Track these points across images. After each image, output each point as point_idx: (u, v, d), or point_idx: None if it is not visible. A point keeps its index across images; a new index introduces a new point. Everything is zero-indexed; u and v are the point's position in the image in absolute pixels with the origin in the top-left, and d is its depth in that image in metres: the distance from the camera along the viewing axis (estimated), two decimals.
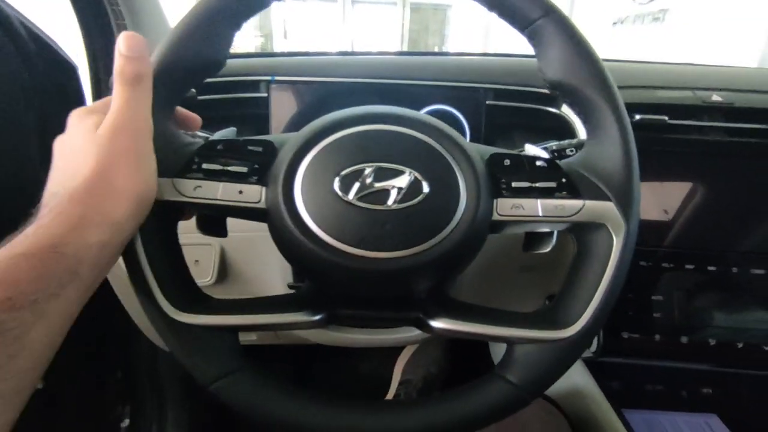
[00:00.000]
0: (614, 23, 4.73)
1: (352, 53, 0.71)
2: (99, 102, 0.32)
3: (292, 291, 0.55)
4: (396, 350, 1.01)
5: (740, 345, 0.51)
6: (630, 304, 0.51)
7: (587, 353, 0.54)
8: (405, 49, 6.48)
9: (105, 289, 0.74)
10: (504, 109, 0.61)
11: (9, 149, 0.59)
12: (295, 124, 0.59)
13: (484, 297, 0.66)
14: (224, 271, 0.56)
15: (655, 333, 0.51)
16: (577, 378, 0.57)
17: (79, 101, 0.69)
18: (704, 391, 0.59)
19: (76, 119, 0.30)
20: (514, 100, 0.61)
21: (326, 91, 0.59)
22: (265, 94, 0.58)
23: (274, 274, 0.55)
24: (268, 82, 0.58)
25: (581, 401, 0.56)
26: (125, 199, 0.28)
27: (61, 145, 0.29)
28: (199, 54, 0.33)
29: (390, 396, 0.94)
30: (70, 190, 0.26)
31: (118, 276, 0.57)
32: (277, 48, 6.65)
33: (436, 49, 7.55)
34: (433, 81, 0.61)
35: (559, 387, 0.60)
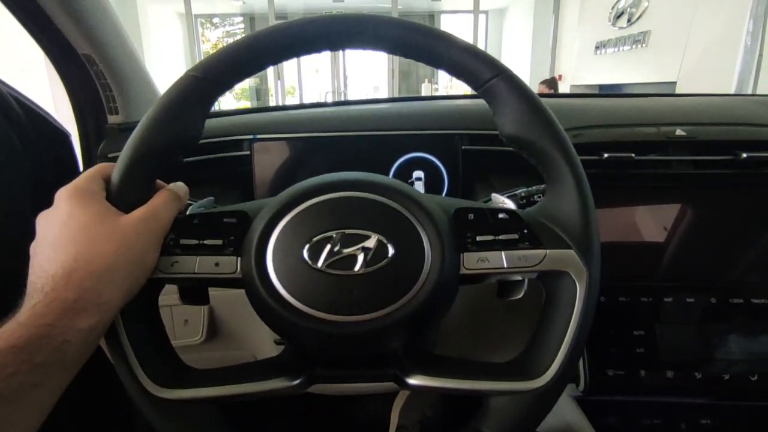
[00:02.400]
0: (596, 47, 4.88)
1: (332, 104, 0.74)
2: (87, 179, 0.32)
3: (281, 348, 0.55)
4: (392, 394, 1.00)
5: (726, 377, 0.51)
6: (612, 340, 0.52)
7: (576, 392, 0.54)
8: (396, 82, 6.64)
9: (99, 352, 0.75)
10: (480, 153, 0.63)
11: (3, 222, 0.61)
12: (278, 180, 0.61)
13: (471, 339, 0.66)
14: (213, 329, 0.57)
15: (639, 368, 0.51)
16: (569, 416, 0.57)
17: (74, 167, 0.72)
18: (703, 422, 0.59)
19: (81, 197, 0.30)
20: (489, 143, 0.63)
21: (308, 145, 0.61)
22: (248, 152, 0.61)
23: (262, 330, 0.56)
24: (251, 140, 0.61)
25: None
26: (126, 283, 0.29)
27: (64, 223, 0.29)
28: (171, 138, 0.34)
29: None
30: (69, 272, 0.26)
31: None
32: (272, 87, 6.83)
33: (426, 81, 7.75)
34: (410, 130, 0.64)
35: (551, 424, 0.59)
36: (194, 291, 0.38)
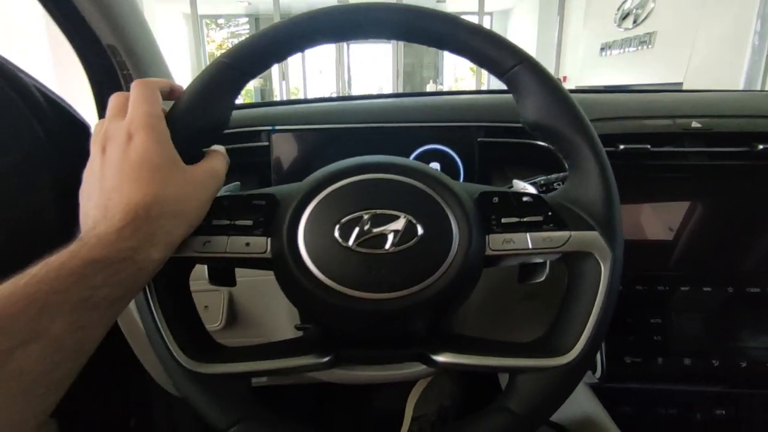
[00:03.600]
0: (602, 49, 4.88)
1: (349, 98, 0.75)
2: (159, 118, 0.33)
3: (300, 333, 0.56)
4: (408, 384, 1.00)
5: (744, 364, 0.52)
6: (629, 328, 0.52)
7: (592, 379, 0.55)
8: (400, 83, 6.66)
9: (118, 340, 0.76)
10: (496, 145, 0.64)
11: (26, 212, 0.62)
12: (295, 171, 0.62)
13: (489, 327, 0.67)
14: (233, 315, 0.58)
15: (657, 356, 0.52)
16: (586, 405, 0.57)
17: None
18: (718, 413, 0.59)
19: (158, 138, 0.31)
20: (504, 135, 0.64)
21: (324, 137, 0.62)
22: (267, 143, 0.62)
23: (281, 317, 0.57)
24: (269, 131, 0.61)
25: (591, 428, 0.56)
26: (185, 228, 0.31)
27: (142, 161, 0.30)
28: (203, 121, 0.35)
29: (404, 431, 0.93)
30: (149, 207, 0.29)
31: (132, 327, 0.58)
32: (276, 87, 6.86)
33: (431, 82, 7.76)
34: (426, 122, 0.64)
35: (568, 414, 0.59)
36: (223, 272, 0.39)
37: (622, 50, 4.49)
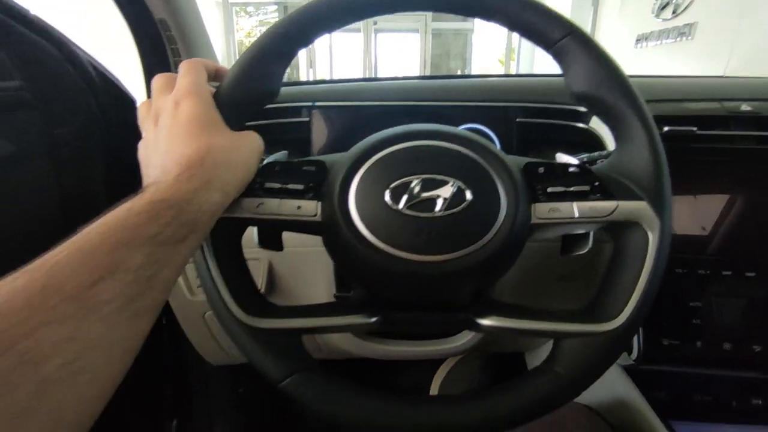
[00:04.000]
0: (637, 40, 4.71)
1: (387, 78, 0.75)
2: (204, 87, 0.35)
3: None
4: (433, 367, 1.02)
5: None
6: (668, 310, 0.52)
7: (628, 361, 0.54)
8: (427, 70, 6.61)
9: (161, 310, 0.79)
10: (534, 126, 0.64)
11: (78, 181, 0.65)
12: (334, 146, 0.63)
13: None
14: (272, 284, 0.60)
15: (696, 339, 0.51)
16: (620, 388, 0.57)
17: (138, 133, 0.76)
18: (754, 402, 0.58)
19: (204, 101, 0.33)
20: (543, 116, 0.64)
21: (364, 114, 0.63)
22: (307, 119, 0.63)
23: (318, 287, 0.58)
24: (310, 107, 0.63)
25: (625, 411, 0.56)
26: (237, 172, 0.33)
27: (192, 118, 0.32)
28: (255, 89, 0.37)
29: None
30: (203, 156, 0.31)
31: (177, 291, 0.61)
32: (303, 75, 6.90)
33: (459, 72, 7.67)
34: (465, 102, 0.65)
35: (602, 397, 0.59)
36: (272, 236, 0.41)
37: (659, 42, 4.33)
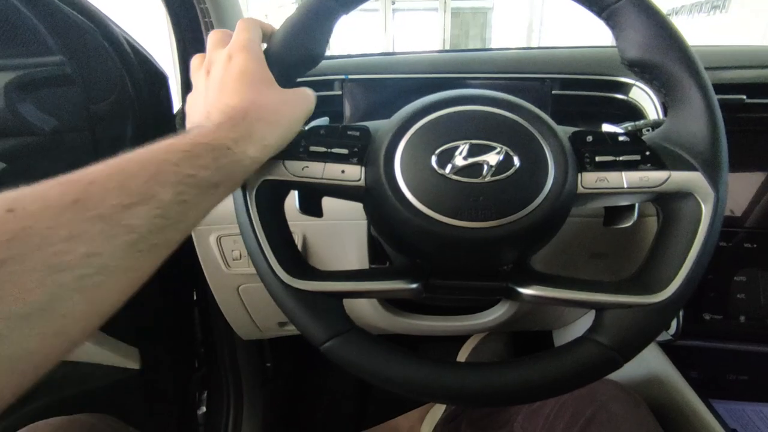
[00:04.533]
0: (668, 14, 4.52)
1: (420, 52, 0.74)
2: (257, 44, 0.36)
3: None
4: (458, 344, 1.02)
5: None
6: (710, 284, 0.50)
7: (666, 336, 0.54)
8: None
9: (188, 283, 0.81)
10: (570, 99, 0.62)
11: (113, 154, 0.67)
12: (367, 118, 0.62)
13: None
14: (306, 256, 0.60)
15: (739, 315, 0.50)
16: (656, 364, 0.57)
17: (169, 108, 0.76)
18: None
19: (255, 57, 0.34)
20: (580, 88, 0.62)
21: (396, 86, 0.62)
22: (339, 92, 0.63)
23: (352, 259, 0.59)
24: (342, 80, 0.62)
25: (660, 388, 0.55)
26: (279, 131, 0.33)
27: (243, 72, 0.33)
28: (303, 49, 0.37)
29: None
30: (246, 110, 0.31)
31: (212, 263, 0.62)
32: None
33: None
34: (499, 74, 0.63)
35: (637, 373, 0.59)
36: (313, 201, 0.41)
37: (690, 16, 4.15)
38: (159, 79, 0.73)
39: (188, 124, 0.35)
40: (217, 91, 0.33)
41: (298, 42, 0.36)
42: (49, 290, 0.20)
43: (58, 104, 0.57)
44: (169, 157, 0.26)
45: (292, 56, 0.36)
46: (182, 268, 0.74)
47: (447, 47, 6.51)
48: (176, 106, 0.76)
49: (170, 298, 0.82)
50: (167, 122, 0.76)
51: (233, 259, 0.61)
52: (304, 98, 0.36)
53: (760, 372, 0.57)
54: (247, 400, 0.96)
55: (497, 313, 0.65)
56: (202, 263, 0.63)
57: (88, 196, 0.22)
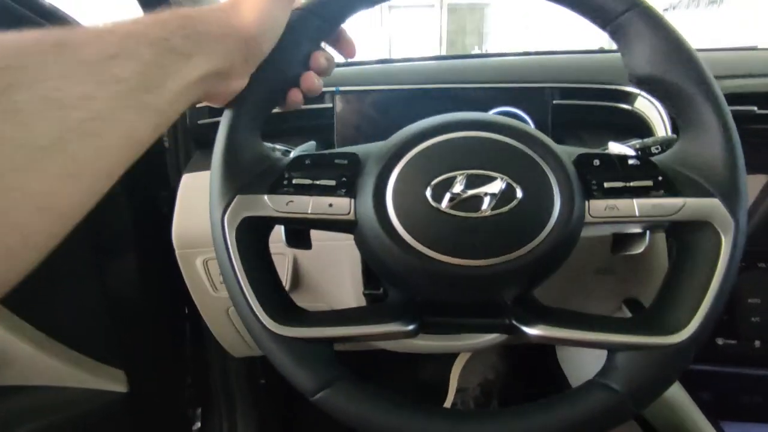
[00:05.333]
0: (665, 9, 4.51)
1: (408, 59, 0.71)
2: None
3: (366, 300, 0.55)
4: (452, 356, 1.00)
5: None
6: (724, 308, 0.48)
7: None
8: (444, 50, 6.45)
9: (178, 301, 0.78)
10: (572, 109, 0.59)
11: None
12: (360, 133, 0.60)
13: (557, 301, 0.64)
14: (297, 281, 0.58)
15: (753, 339, 0.48)
16: None
17: None
18: None
19: None
20: (582, 98, 0.59)
21: (391, 98, 0.59)
22: (330, 105, 0.60)
23: (345, 284, 0.56)
24: (333, 93, 0.59)
25: (670, 412, 0.53)
26: (266, 26, 0.31)
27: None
28: (279, 76, 0.34)
29: (448, 404, 0.93)
30: (244, 34, 0.30)
31: (199, 287, 0.59)
32: None
33: (476, 49, 7.47)
34: (496, 83, 0.60)
35: None
36: (300, 233, 0.38)
37: (687, 10, 4.14)
38: None
39: None
40: None
41: (282, 64, 0.33)
42: (56, 126, 0.20)
43: None
44: (138, 21, 0.26)
45: (277, 78, 0.34)
46: (171, 284, 0.71)
47: (443, 44, 6.47)
48: None
49: (159, 317, 0.80)
50: None
51: (221, 283, 0.58)
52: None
53: None
54: (240, 416, 0.94)
55: (494, 333, 0.62)
56: (189, 286, 0.60)
57: (69, 41, 0.22)
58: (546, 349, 0.93)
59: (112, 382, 0.72)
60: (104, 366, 0.71)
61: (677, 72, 0.32)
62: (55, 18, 0.56)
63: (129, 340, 0.73)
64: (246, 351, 0.76)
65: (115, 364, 0.72)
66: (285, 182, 0.32)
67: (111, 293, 0.71)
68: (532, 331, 0.32)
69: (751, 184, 0.52)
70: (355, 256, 0.54)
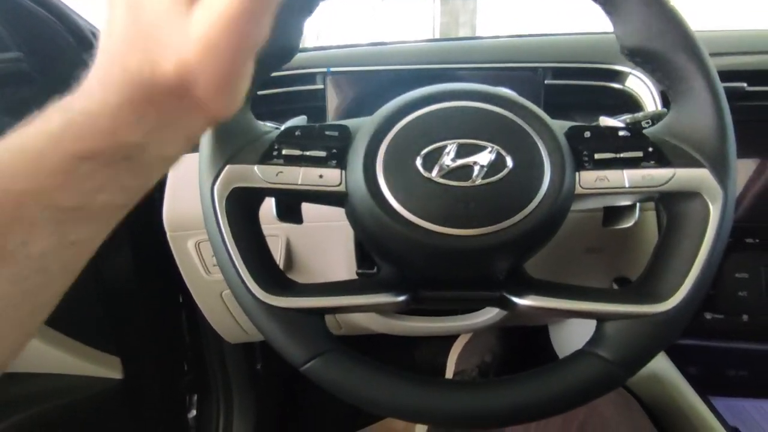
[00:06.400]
0: None
1: (402, 42, 0.71)
2: None
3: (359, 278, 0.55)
4: (449, 339, 1.00)
5: None
6: (712, 282, 0.49)
7: None
8: (437, 35, 6.41)
9: (173, 286, 0.78)
10: (563, 89, 0.60)
11: None
12: (351, 114, 0.59)
13: (548, 279, 0.65)
14: (290, 261, 0.58)
15: (741, 313, 0.48)
16: (654, 362, 0.55)
17: None
18: None
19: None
20: (574, 78, 0.59)
21: (383, 79, 0.59)
22: (321, 86, 0.59)
23: (339, 264, 0.56)
24: (324, 73, 0.59)
25: (658, 386, 0.54)
26: (211, 116, 0.23)
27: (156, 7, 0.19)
28: (274, 43, 0.33)
29: None
30: (158, 81, 0.19)
31: (192, 270, 0.59)
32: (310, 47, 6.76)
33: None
34: (488, 63, 0.60)
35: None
36: (291, 208, 0.38)
37: None
38: None
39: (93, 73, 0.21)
40: (124, 32, 0.19)
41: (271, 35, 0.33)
42: None
43: (15, 103, 0.53)
44: (37, 185, 0.18)
45: (263, 49, 0.33)
46: (165, 270, 0.71)
47: (437, 35, 6.43)
48: None
49: (154, 303, 0.80)
50: None
51: (213, 265, 0.58)
52: None
53: (761, 368, 0.55)
54: (237, 402, 0.94)
55: (490, 313, 0.63)
56: (181, 270, 0.60)
57: None
58: (543, 332, 0.94)
59: (107, 369, 0.72)
60: (100, 353, 0.71)
61: (668, 42, 0.32)
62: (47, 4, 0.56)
63: (124, 327, 0.73)
64: (242, 336, 0.76)
65: (111, 351, 0.72)
66: (275, 153, 0.32)
67: (106, 280, 0.70)
68: (522, 301, 0.33)
69: (741, 162, 0.52)
70: (347, 236, 0.54)
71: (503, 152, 0.30)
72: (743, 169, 0.51)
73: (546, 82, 0.59)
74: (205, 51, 0.18)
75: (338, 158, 0.32)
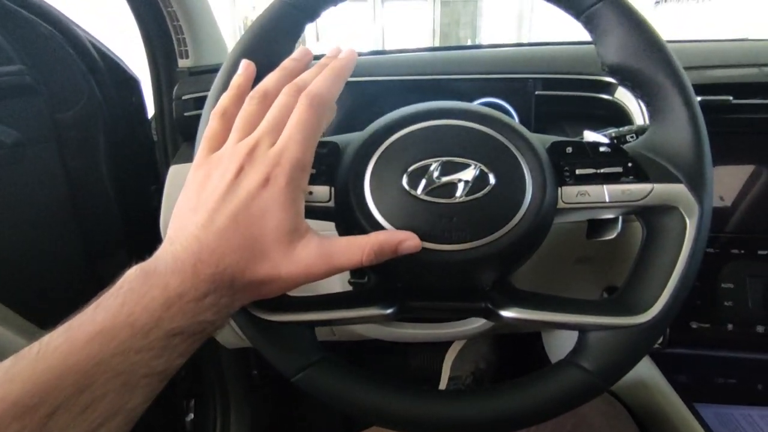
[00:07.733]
0: (656, 2, 4.51)
1: (399, 51, 0.72)
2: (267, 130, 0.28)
3: (351, 288, 0.56)
4: (444, 346, 1.01)
5: None
6: (697, 292, 0.49)
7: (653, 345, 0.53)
8: (437, 43, 6.42)
9: None
10: (554, 99, 0.60)
11: (85, 164, 0.64)
12: (344, 124, 0.60)
13: (539, 290, 0.65)
14: None
15: (727, 322, 0.49)
16: (642, 370, 0.56)
17: (142, 113, 0.74)
18: None
19: (284, 200, 0.27)
20: (564, 88, 0.60)
21: (375, 89, 0.60)
22: None
23: None
24: None
25: (646, 394, 0.54)
26: (277, 289, 0.29)
27: (253, 220, 0.26)
28: (264, 66, 0.34)
29: None
30: (247, 278, 0.26)
31: None
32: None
33: (469, 42, 7.45)
34: (479, 74, 0.61)
35: (622, 379, 0.58)
36: None
37: (679, 1, 4.14)
38: (130, 83, 0.71)
39: (168, 243, 0.27)
40: (228, 228, 0.25)
41: (261, 53, 0.34)
42: None
43: (19, 115, 0.54)
44: (128, 358, 0.22)
45: (257, 68, 0.34)
46: None
47: (437, 37, 6.45)
48: (150, 111, 0.74)
49: None
50: (141, 128, 0.73)
51: None
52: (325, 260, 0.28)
53: (748, 376, 0.56)
54: (234, 407, 0.95)
55: (481, 321, 0.64)
56: None
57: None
58: (538, 338, 0.95)
59: None
60: None
61: (647, 61, 0.33)
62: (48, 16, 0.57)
63: None
64: (238, 342, 0.77)
65: None
66: None
67: (104, 285, 0.71)
68: (506, 313, 0.34)
69: (727, 174, 0.53)
70: None
71: (485, 169, 0.31)
72: (730, 181, 0.52)
73: (537, 92, 0.60)
74: (304, 277, 0.27)
75: (328, 174, 0.33)
